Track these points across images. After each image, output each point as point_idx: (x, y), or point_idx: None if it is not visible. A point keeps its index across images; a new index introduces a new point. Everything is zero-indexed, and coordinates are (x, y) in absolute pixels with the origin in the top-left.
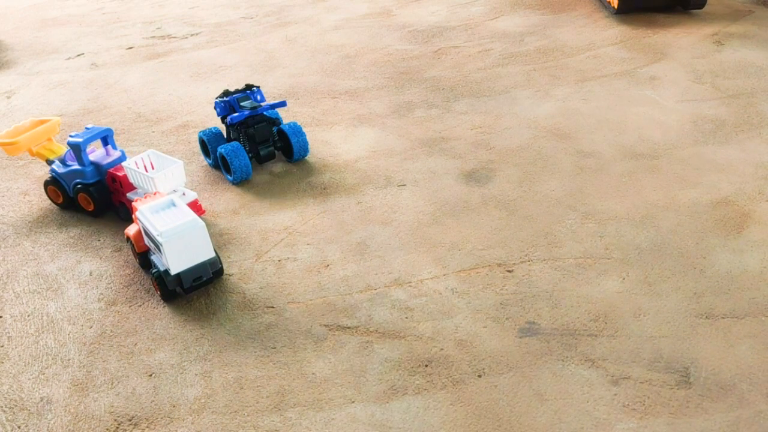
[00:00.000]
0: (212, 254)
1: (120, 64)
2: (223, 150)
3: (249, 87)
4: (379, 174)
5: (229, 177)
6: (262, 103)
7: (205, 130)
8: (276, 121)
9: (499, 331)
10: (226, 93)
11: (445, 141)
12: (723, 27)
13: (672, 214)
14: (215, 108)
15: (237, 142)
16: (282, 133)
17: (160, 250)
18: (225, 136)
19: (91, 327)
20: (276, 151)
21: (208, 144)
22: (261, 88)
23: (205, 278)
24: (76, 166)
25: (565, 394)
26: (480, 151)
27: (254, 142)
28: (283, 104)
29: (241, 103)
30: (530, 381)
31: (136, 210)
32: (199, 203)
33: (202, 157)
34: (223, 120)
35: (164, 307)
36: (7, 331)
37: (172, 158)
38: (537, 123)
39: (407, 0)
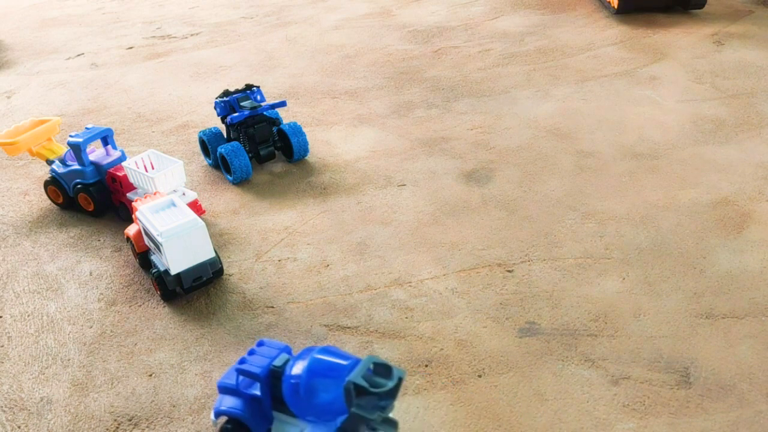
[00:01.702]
0: (212, 254)
1: (120, 64)
2: (223, 150)
3: (249, 87)
4: (379, 174)
5: (229, 177)
6: (262, 103)
7: (205, 130)
8: (276, 121)
9: (499, 331)
10: (226, 93)
11: (445, 141)
12: (723, 27)
13: (672, 214)
14: (215, 108)
15: (237, 142)
16: (282, 133)
17: (160, 250)
18: (225, 136)
19: (91, 327)
20: (276, 151)
21: (208, 144)
22: (261, 88)
23: (205, 278)
24: (76, 166)
25: (565, 394)
26: (480, 151)
27: (254, 142)
28: (283, 104)
29: (241, 103)
30: (530, 381)
31: (136, 210)
32: (199, 203)
33: (202, 157)
34: (223, 120)
35: (164, 307)
36: (7, 331)
37: (172, 158)
38: (537, 123)
39: (407, 0)
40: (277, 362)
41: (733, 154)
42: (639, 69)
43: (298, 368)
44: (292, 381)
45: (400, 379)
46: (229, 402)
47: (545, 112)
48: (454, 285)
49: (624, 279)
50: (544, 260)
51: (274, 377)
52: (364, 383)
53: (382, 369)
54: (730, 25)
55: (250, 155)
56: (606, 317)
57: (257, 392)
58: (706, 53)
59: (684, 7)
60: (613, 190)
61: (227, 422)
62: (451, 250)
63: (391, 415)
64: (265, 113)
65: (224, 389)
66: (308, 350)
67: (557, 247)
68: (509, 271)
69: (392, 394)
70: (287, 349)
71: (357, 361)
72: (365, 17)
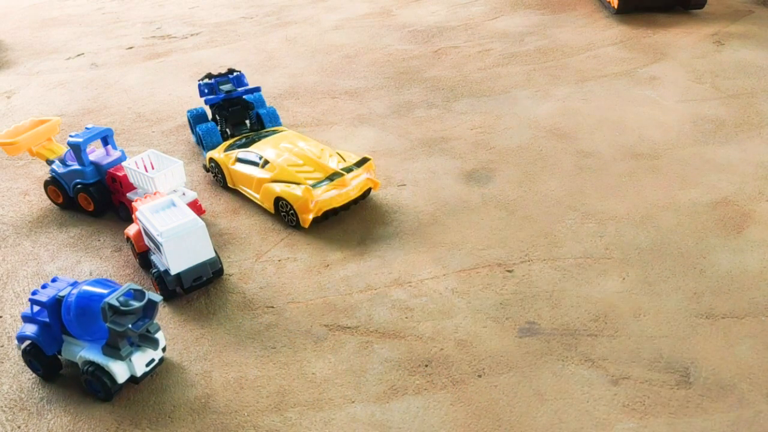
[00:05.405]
0: (212, 254)
1: (120, 64)
2: (199, 129)
3: (231, 71)
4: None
5: (204, 153)
6: (238, 89)
7: (192, 110)
8: (251, 106)
9: (499, 331)
10: (209, 76)
11: (445, 141)
12: (723, 27)
13: (672, 214)
14: (198, 89)
15: (213, 123)
16: (260, 118)
17: (160, 250)
18: (210, 117)
19: None
20: None
21: (192, 122)
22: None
23: (205, 278)
24: (76, 166)
25: (565, 394)
26: (480, 151)
27: (229, 124)
28: (257, 89)
29: (221, 87)
30: (530, 381)
31: (136, 210)
32: (199, 203)
33: (202, 157)
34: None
35: (164, 307)
36: (7, 331)
37: (172, 158)
38: (537, 123)
39: (407, 0)
40: (62, 293)
41: (733, 154)
42: (639, 69)
43: (71, 297)
44: (66, 307)
45: (152, 301)
46: (28, 328)
47: (545, 112)
48: (454, 285)
49: (624, 279)
50: (544, 260)
51: (60, 305)
52: (116, 303)
53: (139, 294)
54: (730, 25)
55: (227, 135)
56: (606, 317)
57: (47, 319)
58: (706, 53)
59: (684, 7)
60: (613, 190)
61: (27, 345)
62: (451, 250)
63: (159, 336)
64: (243, 98)
65: (25, 318)
66: (83, 282)
67: (557, 247)
68: (509, 271)
69: (148, 314)
70: (75, 284)
71: (118, 289)
72: (365, 17)
